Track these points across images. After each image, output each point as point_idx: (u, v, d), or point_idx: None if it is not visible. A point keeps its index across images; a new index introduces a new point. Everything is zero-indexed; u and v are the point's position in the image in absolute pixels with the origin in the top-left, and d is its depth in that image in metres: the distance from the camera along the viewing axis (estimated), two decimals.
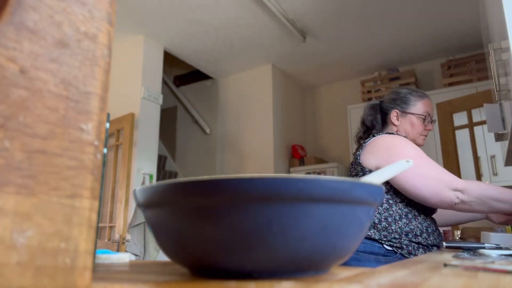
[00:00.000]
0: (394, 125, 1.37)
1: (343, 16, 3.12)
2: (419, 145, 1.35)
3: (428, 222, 1.21)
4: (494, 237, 1.04)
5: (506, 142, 1.39)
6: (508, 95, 1.13)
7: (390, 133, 1.29)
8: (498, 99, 1.27)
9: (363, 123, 1.44)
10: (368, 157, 1.24)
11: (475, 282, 0.31)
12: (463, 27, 3.27)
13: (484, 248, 0.78)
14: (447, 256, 0.64)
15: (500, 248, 0.76)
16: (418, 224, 1.18)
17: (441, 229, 3.41)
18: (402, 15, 3.11)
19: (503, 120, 1.32)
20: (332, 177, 0.31)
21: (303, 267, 0.33)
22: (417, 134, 1.35)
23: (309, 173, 3.83)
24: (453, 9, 3.03)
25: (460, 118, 3.07)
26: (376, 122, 1.41)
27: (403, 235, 1.15)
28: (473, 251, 0.78)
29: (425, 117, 1.35)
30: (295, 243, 0.30)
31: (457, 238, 2.02)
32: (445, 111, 3.13)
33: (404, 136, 1.29)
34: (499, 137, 1.52)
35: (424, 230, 1.18)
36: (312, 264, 0.33)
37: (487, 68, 2.45)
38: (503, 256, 0.63)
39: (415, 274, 0.36)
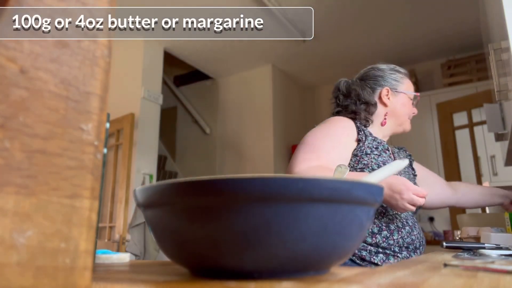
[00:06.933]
0: (385, 105, 1.19)
1: (343, 16, 3.12)
2: (406, 130, 1.24)
3: (390, 218, 1.00)
4: (494, 237, 1.04)
5: (506, 142, 1.38)
6: (508, 95, 1.13)
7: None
8: (498, 99, 1.27)
9: (343, 107, 1.22)
10: None
11: (475, 282, 0.31)
12: (463, 27, 3.27)
13: (484, 248, 0.78)
14: (447, 256, 0.64)
15: (500, 248, 0.76)
16: (375, 220, 0.99)
17: (440, 229, 3.38)
18: (402, 15, 3.10)
19: (503, 120, 1.32)
20: (332, 177, 0.31)
21: (303, 267, 0.33)
22: (407, 116, 1.21)
23: None
24: (453, 9, 3.02)
25: (460, 118, 3.07)
26: (359, 105, 1.20)
27: None
28: (473, 251, 0.78)
29: (413, 97, 1.22)
30: (295, 243, 0.30)
31: (457, 238, 2.02)
32: (445, 111, 3.13)
33: (384, 120, 1.18)
34: (499, 137, 1.52)
35: (384, 227, 0.98)
36: (312, 264, 0.33)
37: (487, 68, 2.44)
38: (503, 256, 0.63)
39: (415, 274, 0.36)
